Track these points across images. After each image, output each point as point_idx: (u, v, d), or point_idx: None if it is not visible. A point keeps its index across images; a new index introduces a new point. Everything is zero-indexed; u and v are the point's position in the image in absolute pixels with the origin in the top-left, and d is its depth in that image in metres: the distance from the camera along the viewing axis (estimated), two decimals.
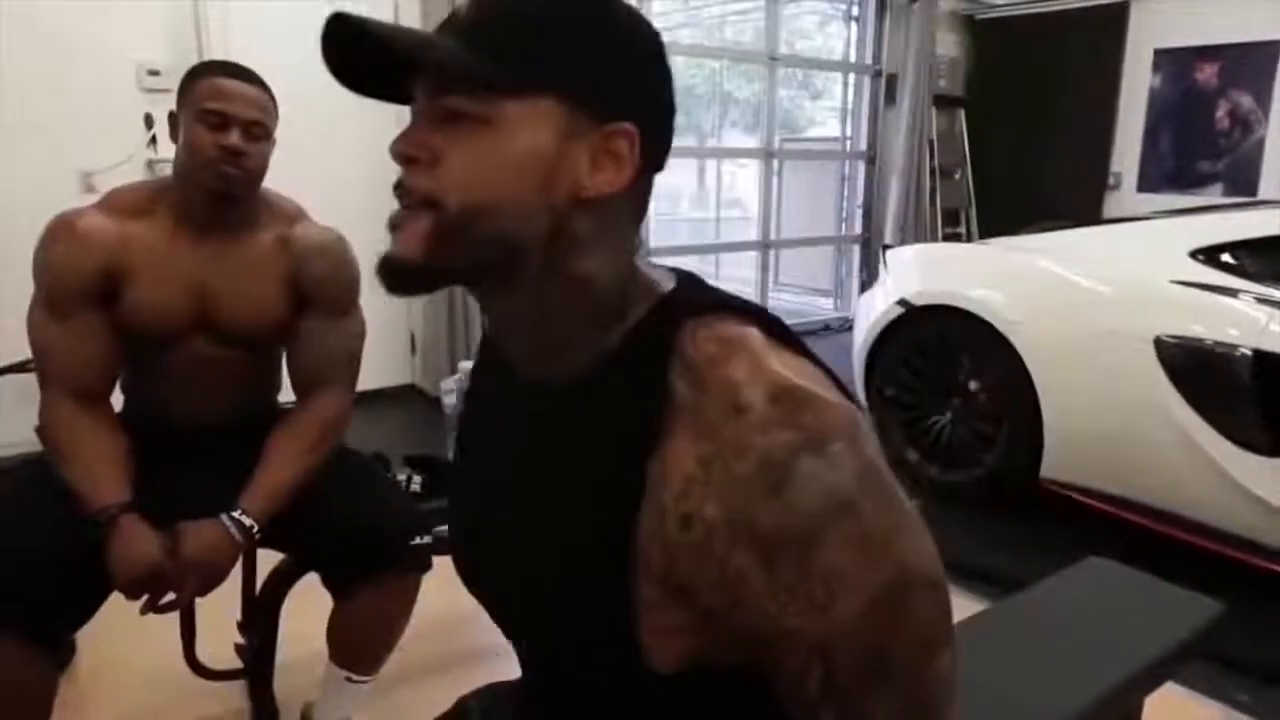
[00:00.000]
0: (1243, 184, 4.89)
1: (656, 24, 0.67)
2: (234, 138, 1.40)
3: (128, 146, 3.26)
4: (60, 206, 1.48)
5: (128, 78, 3.29)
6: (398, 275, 0.62)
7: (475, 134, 0.59)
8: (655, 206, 4.99)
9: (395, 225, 0.62)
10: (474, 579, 0.77)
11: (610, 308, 0.64)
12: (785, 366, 0.58)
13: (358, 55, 0.61)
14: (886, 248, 3.53)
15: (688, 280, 0.68)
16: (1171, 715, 1.68)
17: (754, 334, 0.61)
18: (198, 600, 1.42)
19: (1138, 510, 2.57)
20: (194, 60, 3.33)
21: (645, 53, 0.64)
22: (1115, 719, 1.32)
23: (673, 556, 0.57)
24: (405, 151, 0.60)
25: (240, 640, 1.75)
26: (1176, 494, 2.48)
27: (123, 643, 1.74)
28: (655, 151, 0.64)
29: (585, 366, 0.64)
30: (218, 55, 3.32)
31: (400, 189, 0.61)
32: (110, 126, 3.25)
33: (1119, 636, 1.32)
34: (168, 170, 1.52)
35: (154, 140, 3.32)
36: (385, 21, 0.59)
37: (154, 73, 3.31)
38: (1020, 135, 5.69)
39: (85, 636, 1.34)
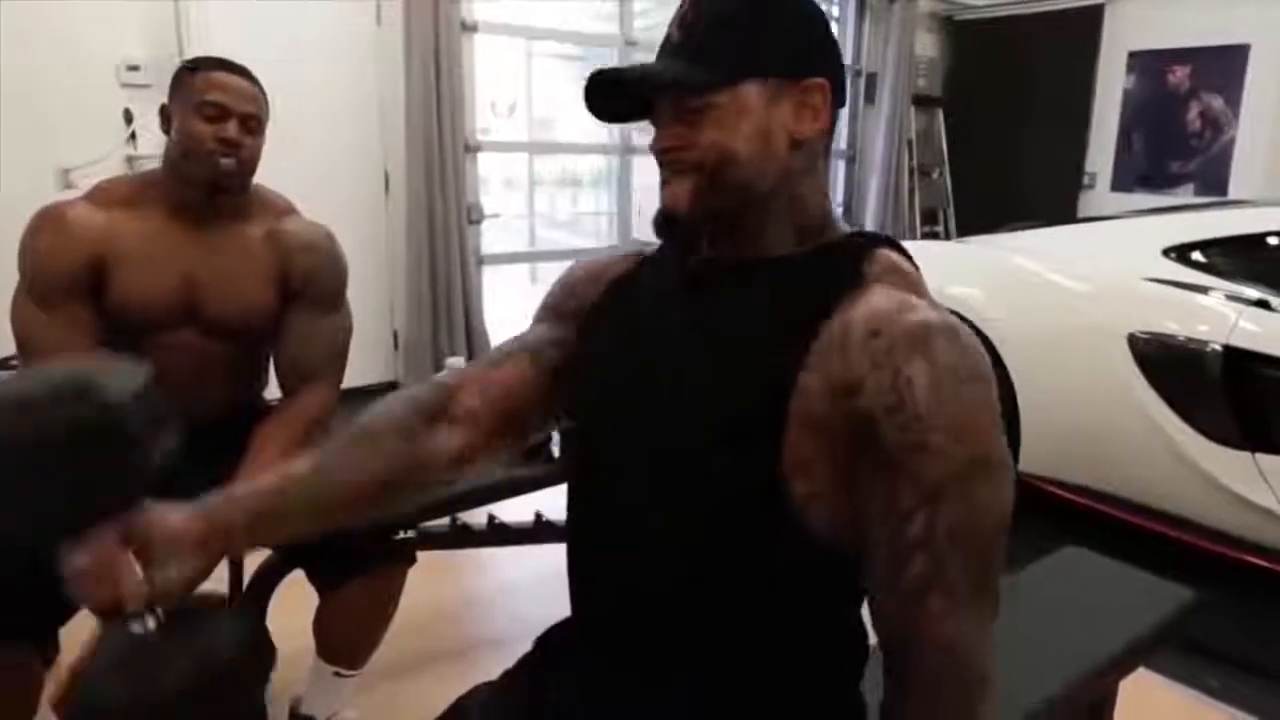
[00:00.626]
0: (1213, 184, 4.98)
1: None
2: (231, 129, 1.43)
3: (107, 143, 3.24)
4: (39, 203, 1.48)
5: (107, 73, 3.27)
6: (673, 224, 0.83)
7: (707, 117, 0.78)
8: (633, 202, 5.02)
9: (665, 183, 0.82)
10: (619, 434, 0.85)
11: (814, 221, 0.84)
12: (926, 290, 0.79)
13: (611, 100, 0.84)
14: None
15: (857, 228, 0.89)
16: (1145, 700, 1.72)
17: (913, 268, 0.81)
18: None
19: (1114, 503, 2.62)
20: (174, 56, 3.36)
21: (812, 18, 0.84)
22: (1092, 701, 1.35)
23: (850, 365, 0.72)
24: (664, 145, 0.81)
25: None
26: (1151, 487, 2.54)
27: None
28: (839, 94, 0.82)
29: (785, 257, 0.82)
30: (198, 51, 3.29)
31: (664, 159, 0.82)
32: (89, 122, 3.23)
33: (1095, 623, 1.35)
34: (148, 167, 1.53)
35: (134, 136, 3.30)
36: (625, 67, 0.84)
37: (133, 68, 3.29)
38: (997, 135, 5.75)
39: (69, 634, 1.34)
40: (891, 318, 0.72)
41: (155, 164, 1.52)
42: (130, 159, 3.29)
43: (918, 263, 0.83)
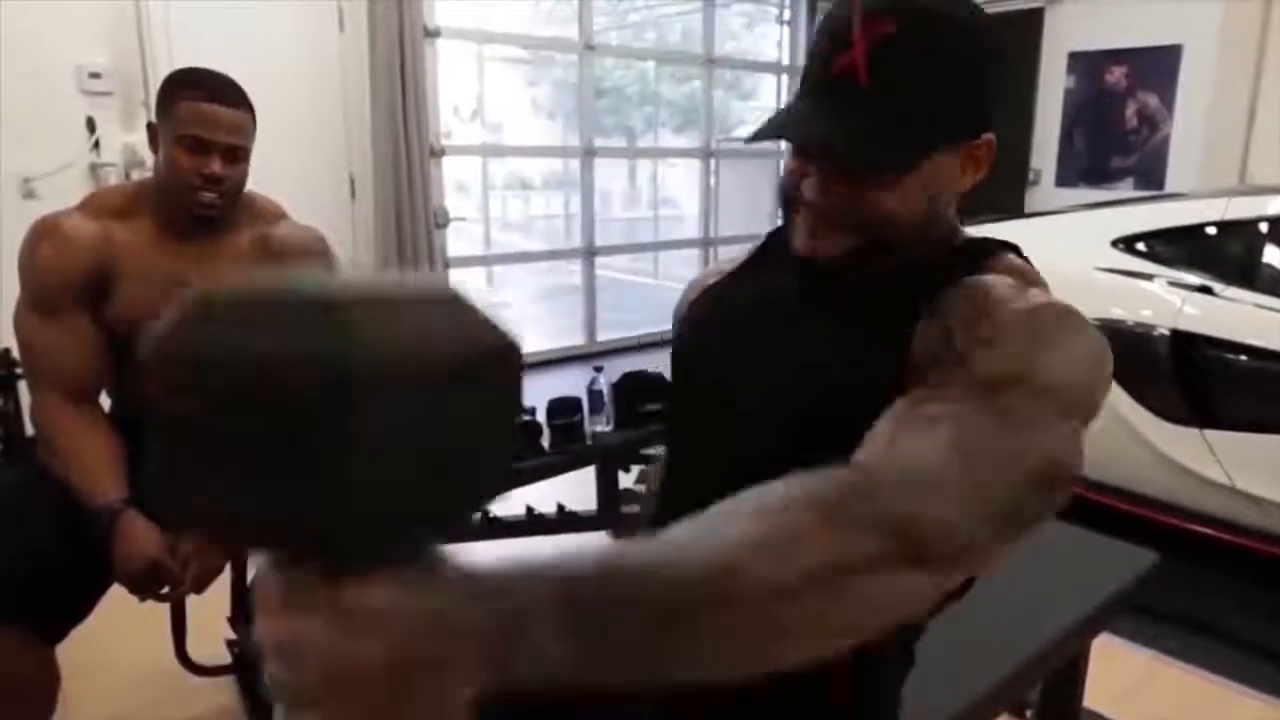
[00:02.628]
0: (1151, 178, 5.19)
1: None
2: (215, 165, 1.40)
3: (70, 151, 3.20)
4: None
5: (68, 81, 3.23)
6: (819, 269, 0.76)
7: (892, 185, 0.71)
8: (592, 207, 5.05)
9: (811, 231, 0.75)
10: (720, 403, 0.82)
11: (943, 236, 0.78)
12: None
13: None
14: None
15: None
16: (1109, 661, 1.83)
17: (1027, 267, 0.77)
18: (188, 596, 1.44)
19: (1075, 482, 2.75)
20: (137, 62, 3.34)
21: (1000, 59, 0.74)
22: (1067, 660, 1.45)
23: (947, 308, 0.69)
24: (826, 204, 0.73)
25: (231, 635, 1.78)
26: (1108, 465, 2.67)
27: (112, 642, 1.74)
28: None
29: (912, 261, 0.76)
30: (161, 57, 3.30)
31: (818, 210, 0.74)
32: (51, 131, 3.18)
33: (1067, 586, 1.45)
34: (111, 175, 1.53)
35: (97, 145, 3.27)
36: (804, 128, 0.72)
37: (95, 75, 3.25)
38: None
39: (74, 636, 1.36)
40: (1003, 298, 0.68)
41: (118, 171, 1.51)
42: (94, 167, 3.25)
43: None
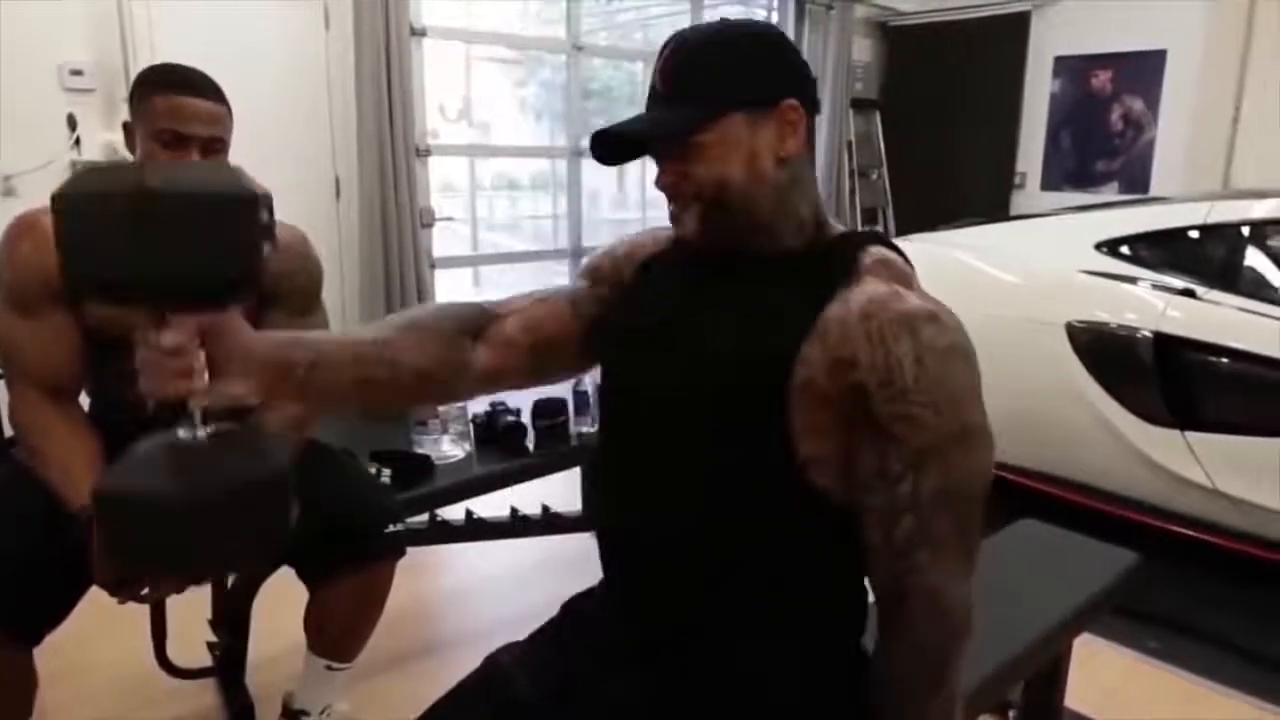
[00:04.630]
0: (1136, 182, 5.23)
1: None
2: (194, 159, 1.39)
3: (50, 148, 3.17)
4: None
5: (49, 78, 3.19)
6: (712, 264, 0.93)
7: (699, 153, 0.88)
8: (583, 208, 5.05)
9: (675, 217, 0.92)
10: (633, 396, 0.96)
11: (809, 223, 0.93)
12: (916, 281, 0.89)
13: (614, 147, 0.92)
14: None
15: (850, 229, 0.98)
16: (1091, 661, 1.84)
17: (903, 262, 0.91)
18: (169, 597, 1.43)
19: (1056, 484, 2.77)
20: (119, 59, 3.31)
21: (775, 44, 0.92)
22: (1050, 659, 1.46)
23: (847, 343, 0.80)
24: (667, 182, 0.91)
25: (212, 638, 1.76)
26: (1090, 466, 2.69)
27: (91, 645, 1.73)
28: (812, 109, 0.91)
29: (788, 252, 0.91)
30: (143, 54, 3.27)
31: (669, 194, 0.91)
32: (31, 128, 3.14)
33: (1051, 586, 1.45)
34: None
35: (78, 142, 3.24)
36: (623, 125, 0.91)
37: (77, 72, 3.21)
38: (933, 137, 5.94)
39: (52, 639, 1.35)
40: (883, 302, 0.81)
41: None
42: (74, 164, 3.22)
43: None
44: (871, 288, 0.83)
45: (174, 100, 1.38)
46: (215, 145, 1.42)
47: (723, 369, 0.86)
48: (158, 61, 1.52)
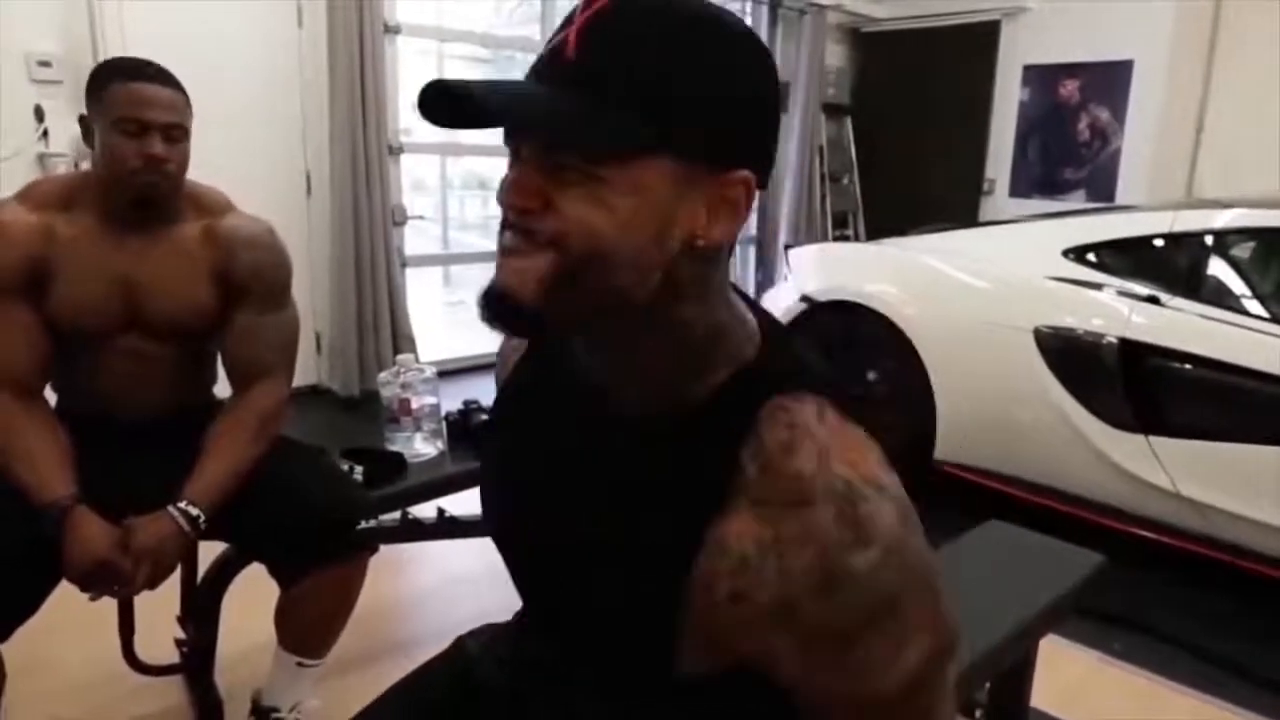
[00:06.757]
0: (1102, 190, 5.33)
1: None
2: (155, 145, 1.38)
3: (17, 140, 3.11)
4: None
5: (17, 69, 3.14)
6: (507, 312, 0.60)
7: (589, 186, 0.57)
8: None
9: (508, 251, 0.60)
10: (509, 549, 0.81)
11: (700, 358, 0.64)
12: (847, 452, 0.60)
13: (455, 109, 0.57)
14: (789, 247, 3.71)
15: (774, 335, 0.68)
16: (1056, 662, 1.86)
17: (826, 417, 0.61)
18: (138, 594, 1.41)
19: (1023, 486, 2.81)
20: (88, 51, 3.26)
21: (760, 96, 0.62)
22: (1015, 661, 1.48)
23: (716, 620, 0.60)
24: (518, 204, 0.59)
25: (180, 635, 1.74)
26: (1057, 470, 2.73)
27: (56, 643, 1.71)
28: (763, 183, 0.63)
29: (664, 411, 0.65)
30: (113, 46, 3.23)
31: (512, 216, 0.60)
32: None
33: (1018, 587, 1.48)
34: (59, 164, 1.49)
35: (45, 134, 3.19)
36: (491, 89, 0.57)
37: (45, 64, 3.17)
38: (903, 143, 6.01)
39: (17, 637, 1.32)
40: (757, 566, 0.59)
41: (68, 162, 1.47)
42: (42, 156, 3.17)
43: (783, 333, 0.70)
44: (769, 506, 0.59)
45: (133, 88, 1.38)
46: (175, 132, 1.42)
47: (598, 569, 0.68)
48: (129, 55, 1.51)
